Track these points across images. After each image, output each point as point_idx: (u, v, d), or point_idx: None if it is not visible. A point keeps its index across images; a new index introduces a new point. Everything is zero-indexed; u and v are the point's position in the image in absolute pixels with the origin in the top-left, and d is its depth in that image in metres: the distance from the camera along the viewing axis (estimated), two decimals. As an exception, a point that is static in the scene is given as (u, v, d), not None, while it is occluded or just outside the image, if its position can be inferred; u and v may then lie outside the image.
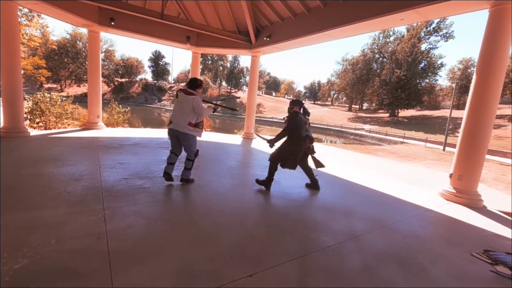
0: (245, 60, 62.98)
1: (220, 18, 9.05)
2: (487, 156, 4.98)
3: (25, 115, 7.95)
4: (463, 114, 4.47)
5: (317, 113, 48.12)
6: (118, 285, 1.76)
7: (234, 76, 60.75)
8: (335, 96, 74.67)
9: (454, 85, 24.97)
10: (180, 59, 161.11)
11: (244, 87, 61.33)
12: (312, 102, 74.54)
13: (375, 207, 3.86)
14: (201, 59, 11.64)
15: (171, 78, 70.03)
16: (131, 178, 3.99)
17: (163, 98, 57.40)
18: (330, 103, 73.44)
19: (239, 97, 55.48)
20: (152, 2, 8.22)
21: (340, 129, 35.50)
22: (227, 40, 9.26)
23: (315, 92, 79.66)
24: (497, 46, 4.01)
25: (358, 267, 2.25)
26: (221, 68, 62.41)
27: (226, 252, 2.27)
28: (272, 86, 79.87)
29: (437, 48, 41.40)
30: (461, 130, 4.45)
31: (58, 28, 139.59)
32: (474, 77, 4.28)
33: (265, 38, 8.40)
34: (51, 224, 2.45)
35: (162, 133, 9.54)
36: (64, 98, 10.44)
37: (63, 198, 3.05)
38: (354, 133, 32.74)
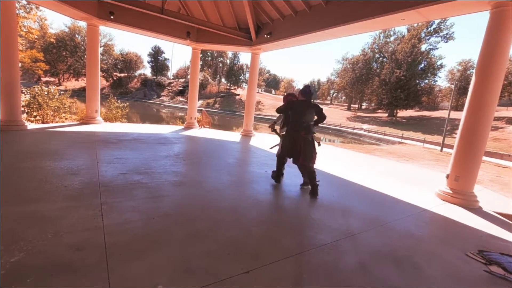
0: (245, 57, 62.70)
1: (220, 14, 9.00)
2: (484, 158, 5.01)
3: (22, 108, 7.90)
4: (461, 115, 4.48)
5: (316, 112, 48.02)
6: (114, 279, 1.76)
7: (234, 73, 60.51)
8: (334, 95, 74.64)
9: (453, 86, 25.05)
10: (179, 55, 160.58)
11: (244, 84, 61.12)
12: (312, 100, 74.40)
13: (372, 206, 3.88)
14: (201, 55, 11.60)
15: (170, 74, 69.75)
16: (129, 174, 3.98)
17: (162, 93, 57.18)
18: (329, 102, 73.43)
19: (238, 94, 55.39)
20: (153, -4, 8.17)
21: (338, 128, 35.56)
22: (227, 36, 9.23)
23: (314, 91, 79.55)
24: (497, 48, 4.02)
25: (354, 265, 2.26)
26: (220, 64, 62.12)
27: (223, 248, 2.28)
28: (272, 83, 79.68)
29: (437, 49, 41.35)
30: (459, 131, 4.46)
31: (57, 21, 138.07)
32: (473, 78, 4.29)
33: (265, 35, 8.37)
34: (48, 218, 2.44)
35: (160, 129, 9.53)
36: (62, 92, 10.38)
37: (60, 192, 3.04)
38: (353, 133, 32.81)
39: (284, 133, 4.31)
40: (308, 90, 4.06)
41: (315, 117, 3.99)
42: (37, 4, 12.87)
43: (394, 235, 2.95)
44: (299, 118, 3.92)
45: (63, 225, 2.35)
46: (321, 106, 4.01)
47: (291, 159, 4.09)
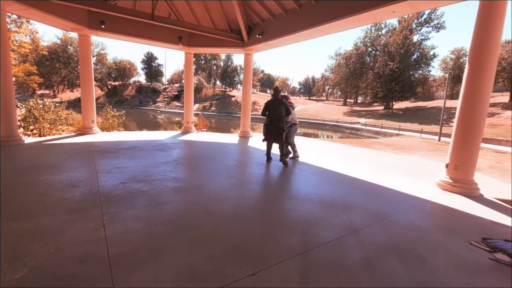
0: (238, 58, 62.79)
1: (211, 17, 9.00)
2: (482, 145, 5.02)
3: (18, 123, 7.86)
4: (457, 104, 4.50)
5: (313, 109, 48.20)
6: (120, 290, 1.75)
7: (228, 75, 60.52)
8: (329, 91, 74.88)
9: (447, 75, 25.16)
10: (173, 60, 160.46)
11: (239, 85, 61.11)
12: (307, 97, 74.60)
13: (373, 200, 3.88)
14: (194, 59, 11.59)
15: (164, 80, 69.71)
16: (129, 182, 3.97)
17: (157, 99, 57.11)
18: (325, 98, 73.61)
19: (234, 96, 55.39)
20: (142, 3, 8.16)
21: (336, 123, 35.62)
22: (220, 39, 9.22)
23: (309, 88, 79.83)
24: (488, 35, 4.03)
25: (359, 261, 2.26)
26: (214, 67, 62.15)
27: (227, 252, 2.28)
28: (267, 83, 79.75)
29: (429, 39, 41.54)
30: (455, 120, 4.48)
31: (48, 33, 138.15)
32: (466, 66, 4.31)
33: (257, 36, 8.37)
34: (50, 232, 2.43)
35: (157, 135, 9.51)
36: (57, 104, 10.35)
37: (60, 205, 3.03)
38: (350, 127, 32.86)
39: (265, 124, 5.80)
40: (275, 92, 5.77)
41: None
42: (27, 18, 12.84)
43: (397, 228, 2.96)
44: (273, 112, 5.53)
45: (65, 238, 2.34)
46: (287, 103, 5.64)
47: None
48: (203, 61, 60.95)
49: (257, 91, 67.65)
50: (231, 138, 9.94)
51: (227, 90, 61.68)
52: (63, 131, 9.83)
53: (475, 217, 3.46)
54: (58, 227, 2.52)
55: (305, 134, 27.02)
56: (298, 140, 10.72)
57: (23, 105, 9.28)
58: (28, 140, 7.23)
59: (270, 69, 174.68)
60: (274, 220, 3.04)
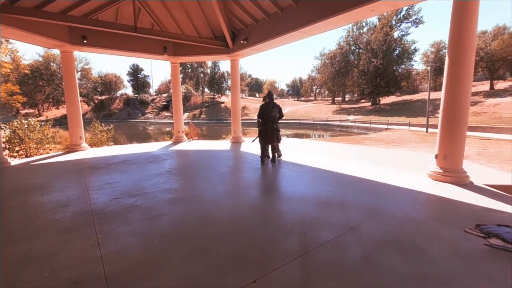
0: (225, 64, 62.91)
1: (194, 25, 9.01)
2: (468, 133, 5.16)
3: (3, 145, 7.65)
4: (440, 95, 4.61)
5: (302, 109, 48.52)
6: (119, 309, 1.71)
7: (216, 82, 60.45)
8: (317, 91, 75.57)
9: (429, 68, 25.78)
10: (160, 70, 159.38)
11: (227, 91, 61.08)
12: (296, 99, 75.14)
13: (368, 196, 3.92)
14: (181, 68, 11.56)
15: (152, 90, 69.15)
16: (122, 197, 3.90)
17: (146, 111, 56.55)
18: (313, 98, 74.23)
19: (223, 102, 55.31)
20: (124, 15, 8.10)
21: (326, 122, 35.94)
22: (205, 47, 9.23)
23: (297, 89, 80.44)
24: (465, 27, 4.16)
25: (358, 258, 2.27)
26: (201, 75, 62.01)
27: (227, 261, 2.25)
28: (255, 87, 79.96)
29: (409, 34, 42.76)
30: (440, 111, 4.59)
31: (29, 51, 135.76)
32: (446, 59, 4.43)
33: (242, 41, 8.41)
34: (42, 256, 2.36)
35: (148, 147, 9.40)
36: (42, 123, 10.12)
37: (52, 227, 2.94)
38: (340, 125, 33.21)
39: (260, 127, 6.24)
40: (269, 96, 6.27)
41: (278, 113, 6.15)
42: (6, 37, 12.59)
43: (394, 222, 2.99)
44: (268, 115, 6.04)
45: (59, 261, 2.27)
46: (280, 106, 6.24)
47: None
48: (189, 70, 60.76)
49: (246, 95, 67.69)
50: (223, 144, 9.91)
51: (216, 96, 61.57)
52: (50, 150, 9.59)
53: (468, 204, 3.53)
54: (50, 250, 2.45)
55: (297, 135, 27.16)
56: (291, 141, 10.77)
57: (7, 126, 9.05)
58: (14, 162, 7.03)
59: (258, 73, 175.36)
60: (272, 224, 3.03)
